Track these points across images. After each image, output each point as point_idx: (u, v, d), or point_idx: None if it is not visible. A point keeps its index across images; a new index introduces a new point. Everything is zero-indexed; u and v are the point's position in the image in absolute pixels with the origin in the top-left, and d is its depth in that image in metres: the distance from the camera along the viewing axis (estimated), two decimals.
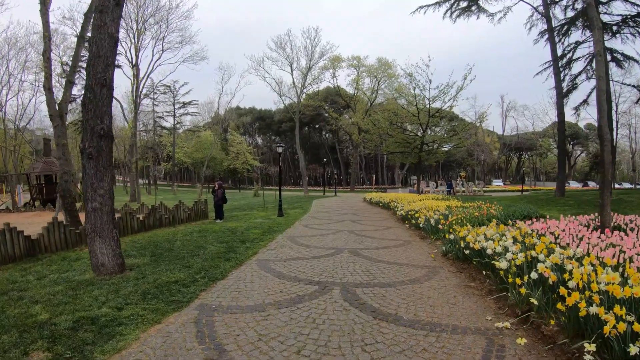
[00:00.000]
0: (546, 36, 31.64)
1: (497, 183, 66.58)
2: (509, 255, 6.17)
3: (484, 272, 6.62)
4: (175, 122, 72.04)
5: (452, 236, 8.94)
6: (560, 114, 26.34)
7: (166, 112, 72.37)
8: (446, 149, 26.70)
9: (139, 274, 7.40)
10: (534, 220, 9.84)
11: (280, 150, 17.32)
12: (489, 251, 6.74)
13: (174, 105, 71.09)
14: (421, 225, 11.92)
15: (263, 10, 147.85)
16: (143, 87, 46.23)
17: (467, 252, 7.59)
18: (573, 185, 65.63)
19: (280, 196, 18.32)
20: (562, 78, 32.95)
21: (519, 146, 76.93)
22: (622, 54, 29.85)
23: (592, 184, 63.76)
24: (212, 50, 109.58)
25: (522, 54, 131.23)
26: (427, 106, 23.58)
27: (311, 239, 11.18)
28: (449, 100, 23.35)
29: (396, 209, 17.79)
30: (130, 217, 13.94)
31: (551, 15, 28.98)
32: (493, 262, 6.35)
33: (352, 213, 19.61)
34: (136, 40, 42.97)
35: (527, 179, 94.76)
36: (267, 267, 7.72)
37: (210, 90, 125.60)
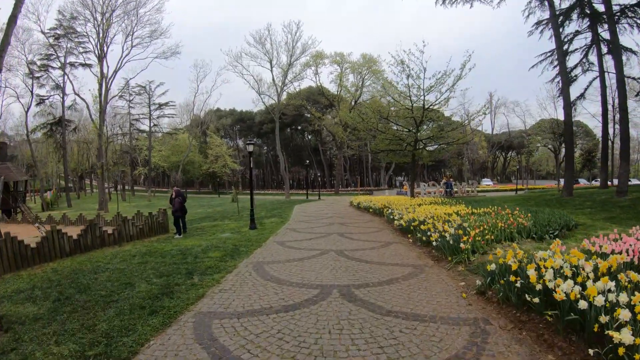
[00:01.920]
0: (541, 27, 29.69)
1: (487, 182, 64.52)
2: (623, 315, 3.42)
3: (590, 351, 3.69)
4: (152, 124, 68.66)
5: (492, 265, 6.05)
6: (567, 105, 23.76)
7: (142, 114, 69.24)
8: (443, 145, 23.73)
9: (10, 342, 4.59)
10: (603, 236, 6.95)
11: (250, 148, 14.16)
12: (582, 304, 3.91)
13: (149, 107, 67.85)
14: (435, 243, 8.95)
15: (245, 12, 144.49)
16: (111, 84, 42.61)
17: (534, 299, 4.67)
18: (563, 183, 63.81)
19: (252, 204, 15.14)
20: (557, 73, 30.87)
21: (510, 144, 75.09)
22: (620, 46, 27.87)
23: (582, 181, 62.10)
24: (191, 51, 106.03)
25: (509, 55, 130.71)
26: (422, 97, 20.74)
27: (286, 268, 8.09)
28: (445, 90, 20.58)
29: (392, 217, 14.90)
30: (60, 237, 10.81)
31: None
32: (608, 332, 3.51)
33: (339, 223, 16.54)
34: (102, 32, 39.43)
35: (513, 177, 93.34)
36: (207, 335, 4.62)
37: (186, 91, 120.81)
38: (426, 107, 20.98)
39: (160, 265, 8.73)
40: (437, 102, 21.08)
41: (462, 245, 8.02)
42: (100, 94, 39.52)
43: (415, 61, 19.99)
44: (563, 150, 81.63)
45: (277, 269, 8.01)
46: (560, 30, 29.52)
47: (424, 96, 20.65)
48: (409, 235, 11.31)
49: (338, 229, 14.08)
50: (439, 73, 20.05)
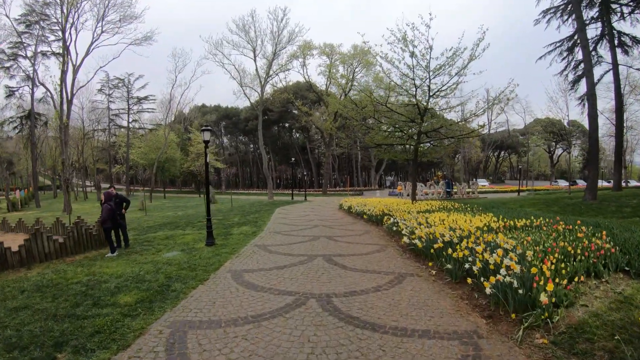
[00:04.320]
0: (549, 15, 26.73)
1: (483, 183, 61.30)
2: None
3: None
4: (131, 119, 64.82)
5: None
6: (592, 95, 20.48)
7: (122, 109, 65.46)
8: (450, 139, 19.97)
9: None
10: None
11: (207, 136, 10.13)
12: None
13: (127, 101, 64.03)
14: (489, 290, 5.26)
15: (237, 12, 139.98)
16: (77, 69, 38.22)
17: None
18: (561, 184, 61.46)
19: (209, 212, 11.22)
20: (566, 65, 27.88)
21: (506, 143, 72.22)
22: (632, 38, 25.04)
23: (581, 183, 59.38)
24: (171, 43, 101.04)
25: (507, 52, 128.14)
26: (428, 81, 17.20)
27: (227, 343, 4.34)
28: (455, 73, 17.02)
29: (395, 229, 11.39)
30: None
31: None
32: None
33: (326, 236, 12.66)
34: (65, 11, 35.12)
35: (504, 178, 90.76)
36: None
37: (166, 84, 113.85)
38: (432, 93, 17.49)
39: (32, 319, 5.28)
40: (444, 87, 17.57)
41: (542, 298, 4.50)
42: (62, 81, 35.29)
43: (419, 37, 16.49)
44: (558, 150, 79.94)
45: (209, 346, 4.28)
46: (569, 20, 26.66)
47: (430, 79, 17.13)
48: (430, 263, 7.67)
49: (324, 247, 10.35)
50: (449, 50, 16.53)
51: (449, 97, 18.11)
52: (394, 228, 11.51)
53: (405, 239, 9.17)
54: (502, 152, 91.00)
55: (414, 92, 17.37)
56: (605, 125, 49.83)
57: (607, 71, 27.47)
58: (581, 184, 57.93)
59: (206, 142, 10.40)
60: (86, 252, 11.11)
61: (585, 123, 64.37)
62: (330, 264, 8.21)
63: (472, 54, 16.69)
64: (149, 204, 36.63)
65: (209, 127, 10.41)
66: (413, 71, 16.87)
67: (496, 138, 70.95)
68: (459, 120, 20.05)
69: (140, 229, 16.12)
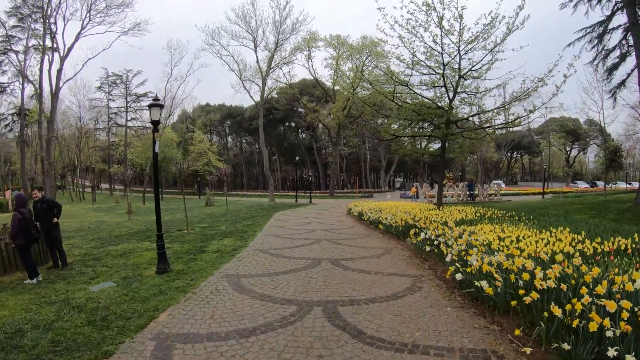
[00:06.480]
0: (576, 0, 23.37)
1: (501, 185, 57.95)
2: None
3: None
4: (130, 117, 62.36)
5: None
6: None
7: (122, 107, 63.20)
8: (487, 130, 16.41)
9: None
10: None
11: (156, 115, 6.92)
12: None
13: (126, 98, 61.61)
14: None
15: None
16: (64, 60, 35.47)
17: None
18: (581, 186, 57.98)
19: (160, 225, 7.77)
20: (596, 54, 24.48)
21: (526, 144, 68.78)
22: None
23: (601, 185, 55.72)
24: (171, 37, 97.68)
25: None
26: (457, 56, 13.86)
27: None
28: (491, 49, 13.66)
29: (430, 248, 8.14)
30: None
31: None
32: None
33: (331, 258, 9.08)
34: None
35: (514, 179, 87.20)
36: None
37: (162, 79, 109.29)
38: (462, 73, 14.19)
39: None
40: (476, 67, 14.24)
41: None
42: (41, 70, 32.53)
43: (447, 4, 13.20)
44: (574, 151, 76.13)
45: None
46: (597, 5, 23.33)
47: (460, 55, 13.82)
48: (517, 331, 4.05)
49: (327, 281, 6.92)
50: (486, 16, 13.22)
51: (482, 78, 14.74)
52: (427, 248, 8.17)
53: (455, 274, 5.75)
54: (515, 153, 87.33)
55: (442, 71, 14.03)
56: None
57: None
58: (602, 185, 54.37)
59: (155, 124, 7.12)
60: (7, 274, 8.04)
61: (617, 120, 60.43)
62: (335, 326, 4.73)
63: (509, 26, 13.37)
64: (141, 206, 33.74)
65: (160, 102, 7.13)
66: (441, 45, 13.57)
67: (513, 137, 67.45)
68: (497, 106, 16.23)
69: (105, 238, 13.06)
